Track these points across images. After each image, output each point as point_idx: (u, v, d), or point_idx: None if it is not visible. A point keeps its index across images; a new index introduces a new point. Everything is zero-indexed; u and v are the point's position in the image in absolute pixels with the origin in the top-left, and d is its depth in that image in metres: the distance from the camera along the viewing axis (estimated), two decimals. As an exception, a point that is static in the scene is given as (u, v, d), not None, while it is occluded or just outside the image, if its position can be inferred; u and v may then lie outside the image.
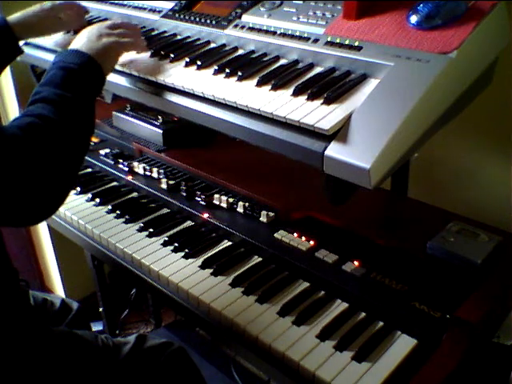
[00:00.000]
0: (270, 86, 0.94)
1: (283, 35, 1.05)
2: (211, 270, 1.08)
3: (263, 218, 1.18)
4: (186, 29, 1.22)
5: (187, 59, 1.09)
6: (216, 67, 1.03)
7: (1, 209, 0.78)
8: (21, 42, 1.26)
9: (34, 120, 0.82)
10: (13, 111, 1.94)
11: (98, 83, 0.98)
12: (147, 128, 1.51)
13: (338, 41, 0.97)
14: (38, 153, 0.79)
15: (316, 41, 1.00)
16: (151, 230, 1.22)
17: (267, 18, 1.10)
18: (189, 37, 1.21)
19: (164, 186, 1.35)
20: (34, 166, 0.78)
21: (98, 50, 0.99)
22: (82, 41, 1.00)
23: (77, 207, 1.35)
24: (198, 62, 1.06)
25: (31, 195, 0.79)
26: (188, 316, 1.05)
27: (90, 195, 1.39)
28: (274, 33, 1.06)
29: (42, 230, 2.12)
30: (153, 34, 1.26)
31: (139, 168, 1.43)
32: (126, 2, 1.41)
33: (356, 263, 1.02)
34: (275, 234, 1.13)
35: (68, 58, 0.94)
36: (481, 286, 0.92)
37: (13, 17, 1.21)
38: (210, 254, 1.14)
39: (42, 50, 1.37)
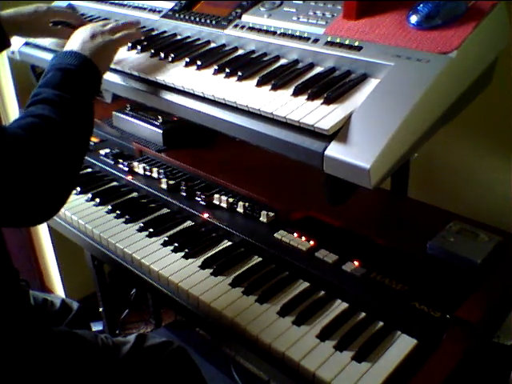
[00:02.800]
0: (269, 86, 0.94)
1: (283, 35, 1.05)
2: (211, 270, 1.08)
3: (263, 218, 1.18)
4: (186, 29, 1.22)
5: (187, 59, 1.08)
6: (216, 67, 1.03)
7: (3, 209, 0.78)
8: (19, 42, 1.25)
9: (36, 120, 0.82)
10: (13, 111, 1.94)
11: (96, 83, 0.98)
12: (147, 128, 1.51)
13: (338, 41, 0.97)
14: (40, 153, 0.79)
15: (316, 41, 1.00)
16: (151, 230, 1.22)
17: (267, 18, 1.10)
18: (189, 37, 1.21)
19: (164, 186, 1.35)
20: (37, 166, 0.79)
21: (93, 49, 0.99)
22: (76, 42, 1.01)
23: (77, 207, 1.35)
24: (198, 62, 1.06)
25: (34, 195, 0.79)
26: (188, 316, 1.05)
27: (90, 195, 1.39)
28: (274, 33, 1.06)
29: (42, 230, 2.12)
30: (153, 33, 1.26)
31: (139, 168, 1.43)
32: (125, 2, 1.41)
33: (356, 263, 1.02)
34: (275, 234, 1.13)
35: (65, 59, 0.95)
36: (481, 285, 0.92)
37: (5, 12, 1.20)
38: (210, 254, 1.14)
39: (42, 49, 1.37)
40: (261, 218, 1.19)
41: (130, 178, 1.42)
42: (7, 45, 1.22)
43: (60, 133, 0.84)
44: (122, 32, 1.10)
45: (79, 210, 1.34)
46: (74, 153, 0.87)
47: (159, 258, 1.13)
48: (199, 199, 1.28)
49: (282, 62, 1.04)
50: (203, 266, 1.10)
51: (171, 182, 1.35)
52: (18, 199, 0.78)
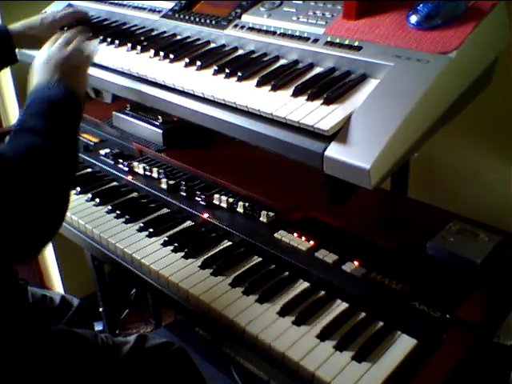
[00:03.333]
0: (269, 87, 0.95)
1: (283, 35, 1.05)
2: (211, 270, 1.08)
3: (263, 218, 1.18)
4: (186, 29, 1.22)
5: (187, 59, 1.09)
6: (216, 67, 1.03)
7: None
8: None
9: (27, 147, 0.82)
10: (13, 111, 1.94)
11: (77, 111, 0.95)
12: (147, 128, 1.51)
13: (337, 41, 0.97)
14: (31, 180, 0.80)
15: (316, 41, 1.00)
16: (151, 229, 1.22)
17: (267, 18, 1.10)
18: (189, 37, 1.21)
19: (164, 186, 1.35)
20: (28, 193, 0.79)
21: (67, 80, 0.94)
22: (45, 74, 0.95)
23: (77, 207, 1.35)
24: (198, 62, 1.06)
25: (25, 225, 0.80)
26: (188, 316, 1.05)
27: (90, 195, 1.39)
28: (274, 33, 1.06)
29: (42, 229, 2.12)
30: (153, 34, 1.26)
31: (139, 168, 1.43)
32: (125, 2, 1.41)
33: (356, 263, 1.02)
34: (275, 234, 1.13)
35: (45, 91, 0.92)
36: (481, 285, 0.92)
37: (13, 26, 1.21)
38: (209, 254, 1.14)
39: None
40: (261, 218, 1.19)
41: (130, 177, 1.42)
42: (15, 61, 1.23)
43: (49, 160, 0.84)
44: (74, 42, 1.03)
45: (79, 210, 1.34)
46: (62, 178, 0.87)
47: (159, 257, 1.13)
48: (199, 199, 1.28)
49: (282, 62, 1.04)
50: (203, 266, 1.10)
51: (171, 182, 1.35)
52: (9, 230, 0.78)
